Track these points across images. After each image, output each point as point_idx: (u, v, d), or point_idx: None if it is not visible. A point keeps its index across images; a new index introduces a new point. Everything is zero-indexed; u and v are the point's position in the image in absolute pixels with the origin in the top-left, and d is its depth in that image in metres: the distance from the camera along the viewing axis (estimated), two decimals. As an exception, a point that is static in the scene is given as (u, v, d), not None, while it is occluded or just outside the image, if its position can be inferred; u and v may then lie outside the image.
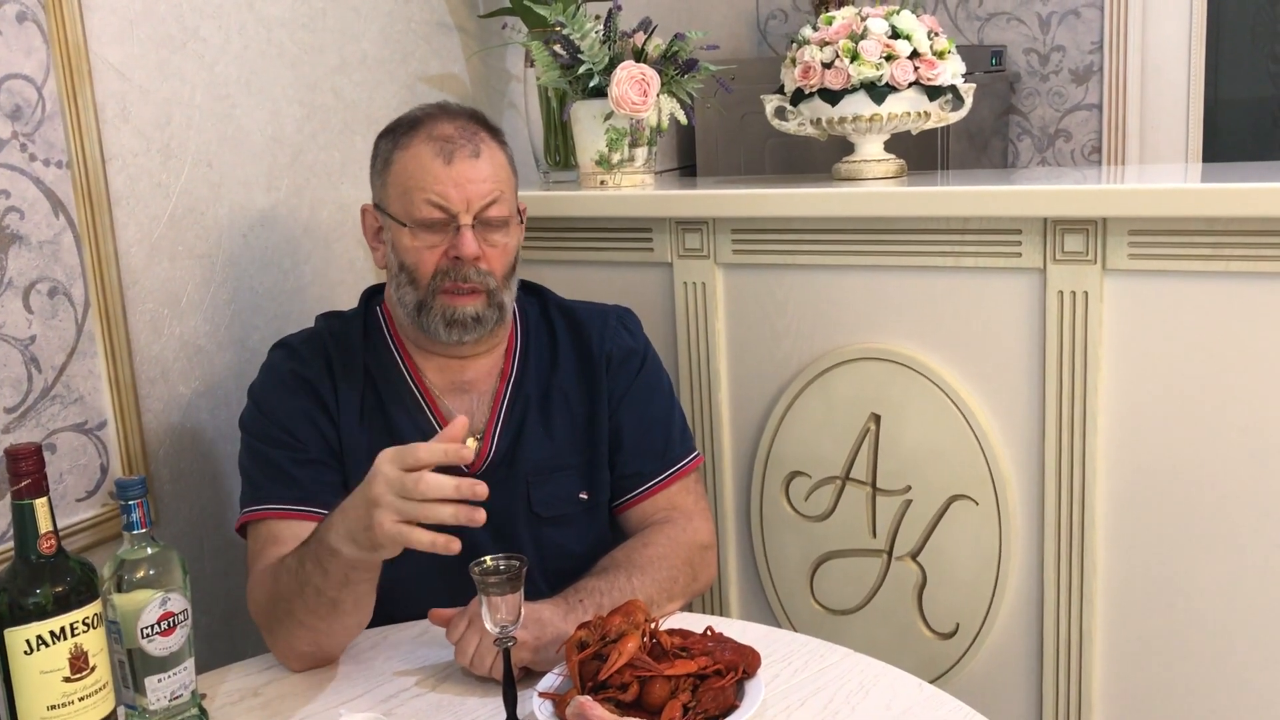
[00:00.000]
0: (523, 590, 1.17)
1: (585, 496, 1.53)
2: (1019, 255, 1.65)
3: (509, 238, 1.48)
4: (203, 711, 1.24)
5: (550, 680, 1.22)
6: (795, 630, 1.89)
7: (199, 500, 1.74)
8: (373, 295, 1.60)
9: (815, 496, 1.86)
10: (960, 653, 1.79)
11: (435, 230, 1.44)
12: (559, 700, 1.16)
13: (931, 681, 1.78)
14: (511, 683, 1.19)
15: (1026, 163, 3.23)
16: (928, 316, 1.74)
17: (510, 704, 1.19)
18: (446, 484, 1.14)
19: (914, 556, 1.81)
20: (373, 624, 1.44)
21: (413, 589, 1.48)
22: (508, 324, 1.54)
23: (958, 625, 1.79)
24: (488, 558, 1.19)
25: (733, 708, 1.14)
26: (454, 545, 1.15)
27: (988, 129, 3.12)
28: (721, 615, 1.94)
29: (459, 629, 1.29)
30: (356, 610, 1.32)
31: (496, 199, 1.45)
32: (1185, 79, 3.01)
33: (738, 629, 1.36)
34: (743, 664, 1.19)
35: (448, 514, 1.14)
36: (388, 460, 1.18)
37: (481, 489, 1.14)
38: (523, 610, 1.18)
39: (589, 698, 1.04)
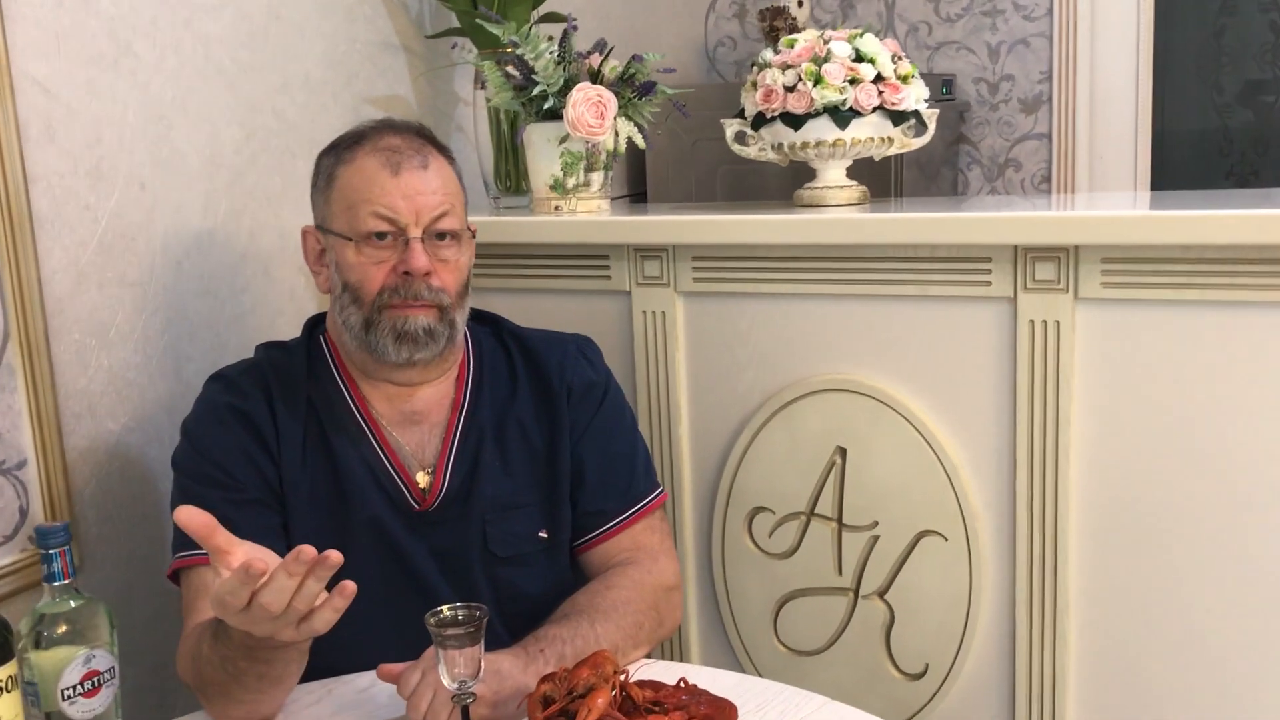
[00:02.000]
0: (483, 642, 1.09)
1: (545, 535, 1.45)
2: (989, 284, 1.60)
3: (460, 254, 1.41)
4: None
5: (511, 739, 1.13)
6: (759, 673, 1.82)
7: (128, 544, 1.64)
8: (315, 325, 1.51)
9: (779, 533, 1.79)
10: (930, 694, 1.73)
11: (383, 245, 1.36)
12: (522, 760, 1.08)
13: (900, 726, 1.72)
14: None
15: (976, 192, 3.21)
16: (894, 347, 1.68)
17: None
18: (281, 590, 1.03)
19: (881, 595, 1.74)
20: (312, 676, 1.35)
21: (360, 637, 1.39)
22: (459, 348, 1.46)
23: (927, 665, 1.73)
24: (445, 608, 1.10)
25: (709, 765, 1.07)
26: (332, 556, 1.05)
27: (938, 158, 3.10)
28: (682, 658, 1.86)
29: (411, 683, 1.20)
30: (299, 669, 1.22)
31: (447, 211, 1.38)
32: (1133, 109, 3.02)
33: (708, 677, 1.28)
34: (719, 718, 1.11)
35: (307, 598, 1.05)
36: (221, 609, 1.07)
37: (307, 554, 1.03)
38: (482, 663, 1.10)
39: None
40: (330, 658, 1.37)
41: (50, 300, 1.53)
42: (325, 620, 1.06)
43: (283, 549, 1.35)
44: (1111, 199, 2.40)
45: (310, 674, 1.34)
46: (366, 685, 1.34)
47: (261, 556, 1.02)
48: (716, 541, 1.83)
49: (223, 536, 1.04)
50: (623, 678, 1.13)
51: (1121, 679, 1.62)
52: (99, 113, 1.58)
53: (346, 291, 1.39)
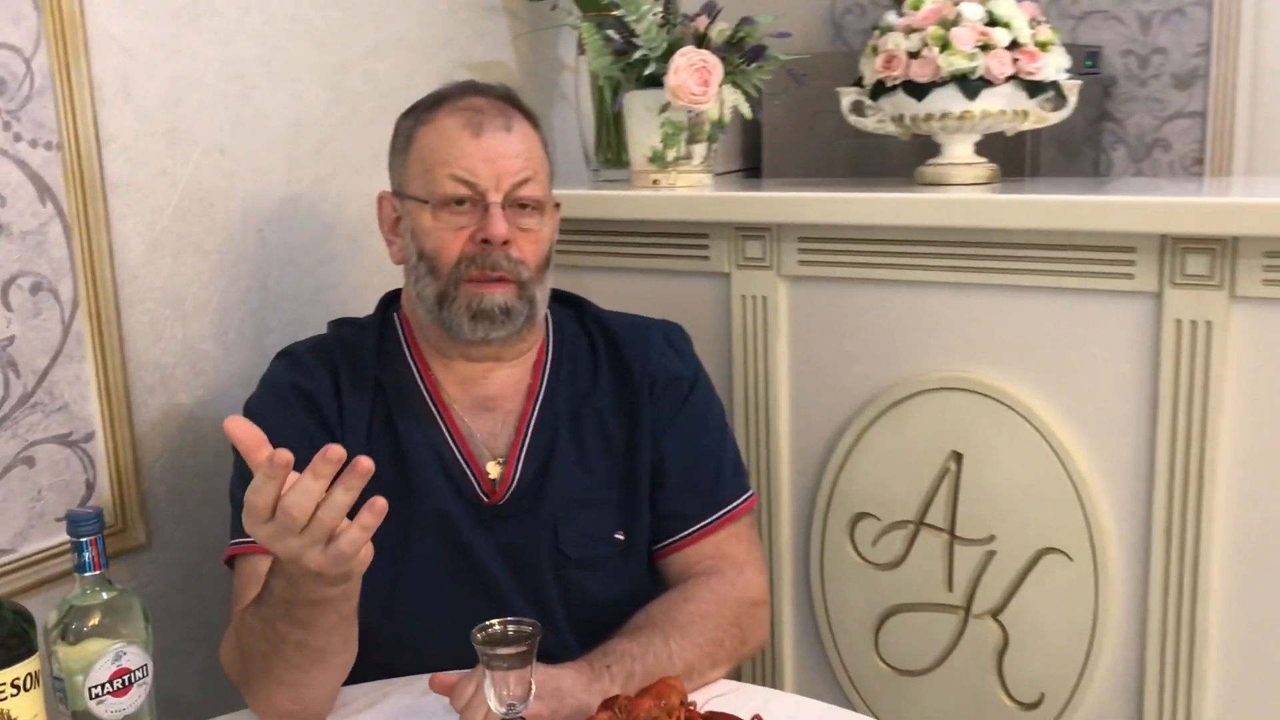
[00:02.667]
0: (534, 662, 0.98)
1: (621, 537, 1.34)
2: (1131, 277, 1.43)
3: (543, 225, 1.31)
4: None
5: (566, 768, 1.03)
6: (858, 691, 1.68)
7: (198, 523, 1.58)
8: (390, 301, 1.42)
9: (884, 542, 1.65)
10: (1045, 726, 1.57)
11: (461, 210, 1.27)
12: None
13: (1011, 758, 1.56)
14: None
15: (1120, 174, 2.98)
16: (1021, 343, 1.52)
17: None
18: (307, 493, 0.96)
19: (995, 615, 1.59)
20: (371, 675, 1.27)
21: (421, 636, 1.30)
22: (538, 328, 1.36)
23: (1043, 695, 1.57)
24: (495, 622, 1.00)
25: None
26: (361, 463, 0.96)
27: (1079, 136, 2.88)
28: (774, 674, 1.74)
29: (465, 696, 1.11)
30: (344, 649, 1.14)
31: (530, 178, 1.28)
32: (1302, 86, 2.75)
33: (791, 708, 1.16)
34: (795, 762, 0.99)
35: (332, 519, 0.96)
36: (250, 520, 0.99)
37: (335, 453, 0.95)
38: (534, 683, 0.99)
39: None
40: (389, 656, 1.29)
41: (122, 268, 1.47)
42: (352, 541, 0.97)
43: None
44: (1275, 184, 2.17)
45: (368, 673, 1.26)
46: (425, 690, 1.25)
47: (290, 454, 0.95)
48: (815, 548, 1.69)
49: (268, 451, 0.96)
50: (689, 709, 1.01)
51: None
52: (178, 72, 1.51)
53: (421, 261, 1.30)
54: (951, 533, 1.60)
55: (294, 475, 0.95)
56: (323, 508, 0.95)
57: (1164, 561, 1.46)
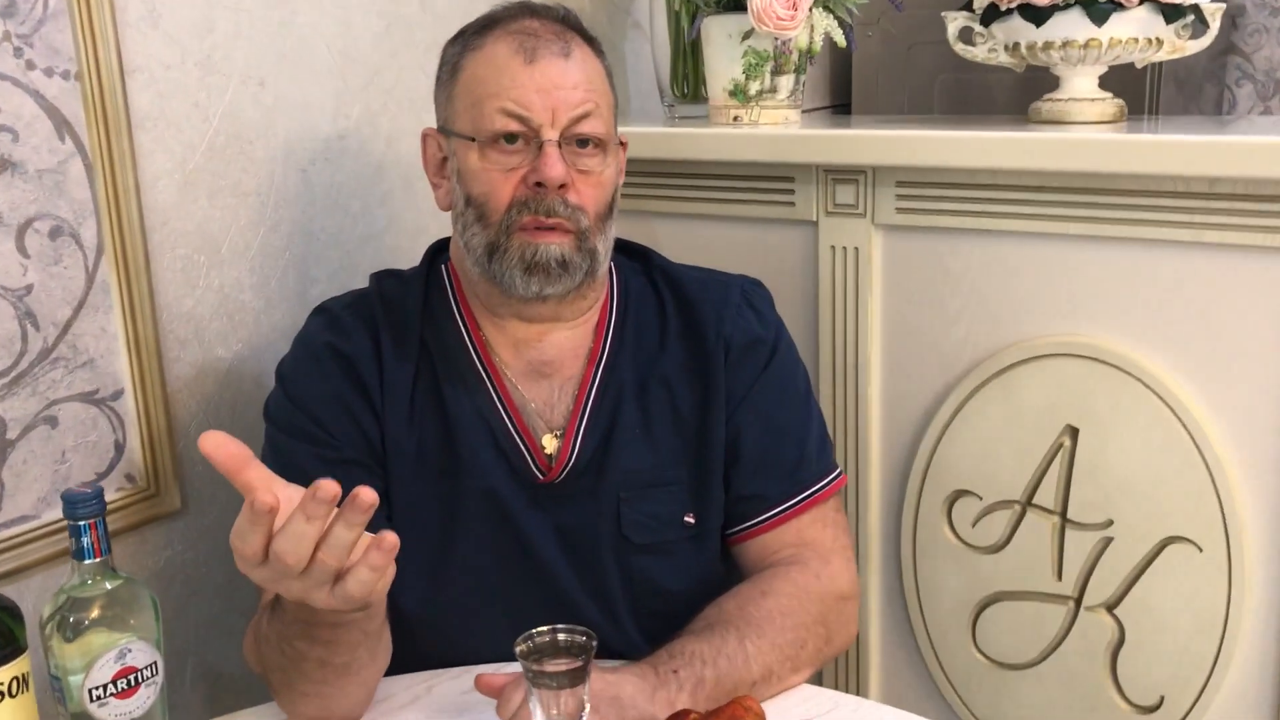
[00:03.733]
0: (589, 677, 0.85)
1: (691, 521, 1.20)
2: (1287, 231, 1.23)
3: (605, 165, 1.15)
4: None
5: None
6: (952, 685, 1.53)
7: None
8: (438, 252, 1.28)
9: (986, 523, 1.48)
10: (1163, 733, 1.41)
11: (513, 150, 1.12)
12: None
13: (1124, 767, 1.41)
14: None
15: (1245, 113, 2.73)
16: (1152, 305, 1.33)
17: None
18: (299, 537, 0.81)
19: (1110, 608, 1.42)
20: (414, 666, 1.15)
21: (470, 626, 1.18)
22: (600, 284, 1.21)
23: (1162, 698, 1.40)
24: (542, 631, 0.86)
25: None
26: (362, 495, 0.81)
27: (1199, 72, 2.63)
28: (858, 666, 1.58)
29: (511, 706, 0.98)
30: (373, 660, 1.02)
31: (590, 112, 1.12)
32: None
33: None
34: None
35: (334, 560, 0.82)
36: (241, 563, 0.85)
37: (326, 491, 0.79)
38: (588, 699, 0.86)
39: None
40: (434, 647, 1.16)
41: (151, 211, 1.34)
42: (361, 582, 0.83)
43: (381, 521, 1.16)
44: None
45: (411, 663, 1.14)
46: (473, 685, 1.13)
47: (273, 489, 0.80)
48: (907, 528, 1.53)
49: (255, 472, 0.82)
50: (768, 736, 0.87)
51: None
52: (211, -5, 1.37)
53: (470, 207, 1.15)
54: (1063, 515, 1.42)
55: (287, 505, 0.81)
56: (323, 549, 0.81)
57: (1312, 558, 1.28)
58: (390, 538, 0.82)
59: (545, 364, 1.20)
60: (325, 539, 0.81)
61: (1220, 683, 1.36)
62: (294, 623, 0.94)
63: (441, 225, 1.67)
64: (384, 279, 1.27)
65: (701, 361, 1.20)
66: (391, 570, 0.85)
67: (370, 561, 0.82)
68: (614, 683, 0.98)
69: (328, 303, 1.25)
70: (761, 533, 1.20)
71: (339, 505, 0.80)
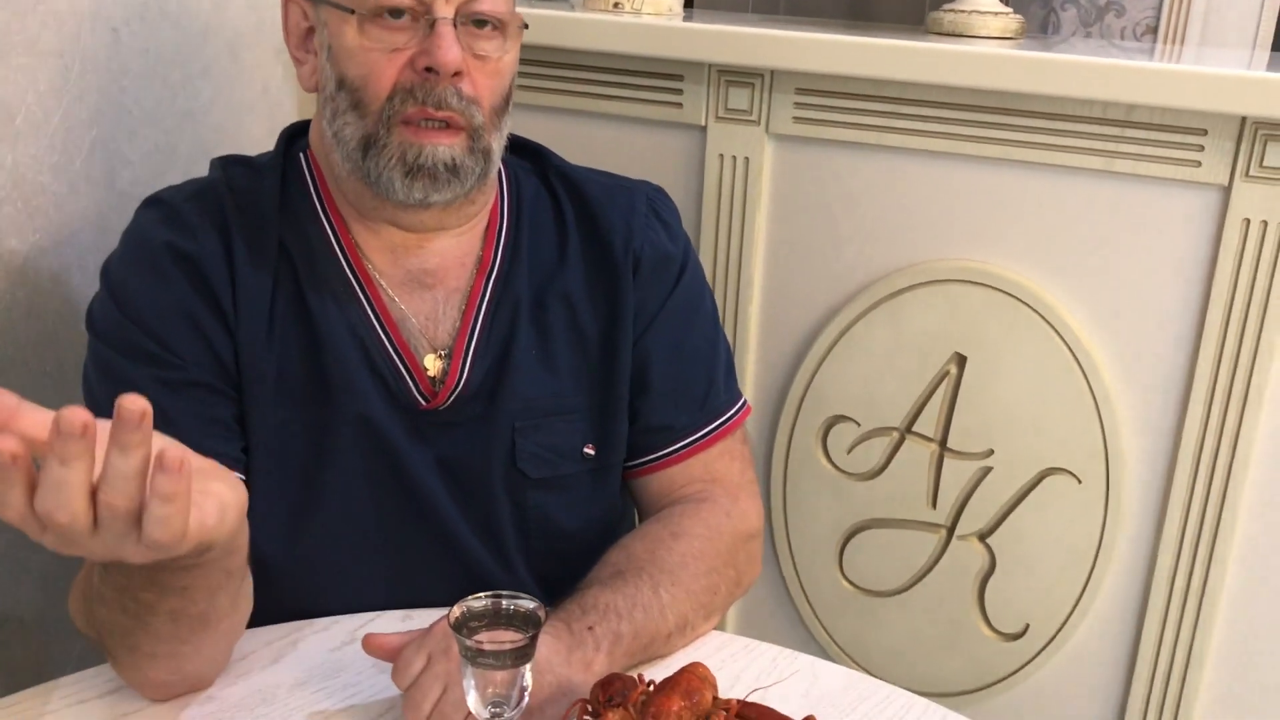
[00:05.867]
0: (531, 663, 0.73)
1: (591, 452, 1.08)
2: (1197, 165, 1.21)
3: (505, 50, 1.00)
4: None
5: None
6: (815, 612, 1.50)
7: (39, 402, 1.25)
8: (295, 137, 1.09)
9: (862, 450, 1.44)
10: (1025, 659, 1.42)
11: (398, 25, 0.95)
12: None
13: (983, 689, 1.41)
14: None
15: (1067, 37, 2.77)
16: (1053, 232, 1.30)
17: None
18: (59, 486, 0.62)
19: (983, 537, 1.41)
20: (276, 617, 1.00)
21: (344, 572, 1.04)
22: (491, 189, 1.07)
23: (1027, 626, 1.41)
24: (480, 597, 0.73)
25: None
26: (125, 405, 0.62)
27: (1026, -7, 2.65)
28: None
29: (411, 670, 0.85)
30: (235, 608, 0.86)
31: None
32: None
33: (808, 672, 0.95)
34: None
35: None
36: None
37: (72, 421, 0.61)
38: (530, 677, 0.74)
39: None
40: (299, 596, 1.02)
41: (-73, 67, 1.10)
42: (160, 521, 0.64)
43: (236, 452, 0.99)
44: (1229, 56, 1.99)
45: (272, 614, 0.99)
46: (346, 639, 0.99)
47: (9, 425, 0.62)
48: (779, 452, 1.47)
49: (30, 419, 0.63)
50: (730, 708, 0.78)
51: (1268, 675, 1.31)
52: None
53: (343, 91, 0.98)
54: (943, 444, 1.39)
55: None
56: (103, 489, 0.64)
57: (1187, 493, 1.29)
58: (170, 452, 0.64)
59: (427, 274, 1.05)
60: (103, 476, 0.64)
61: (1086, 612, 1.37)
62: (137, 573, 0.77)
63: (273, 109, 1.47)
64: (231, 166, 1.07)
65: (607, 277, 1.07)
66: (213, 499, 0.69)
67: (159, 491, 0.64)
68: (524, 646, 0.87)
69: (164, 193, 1.05)
70: (667, 466, 1.10)
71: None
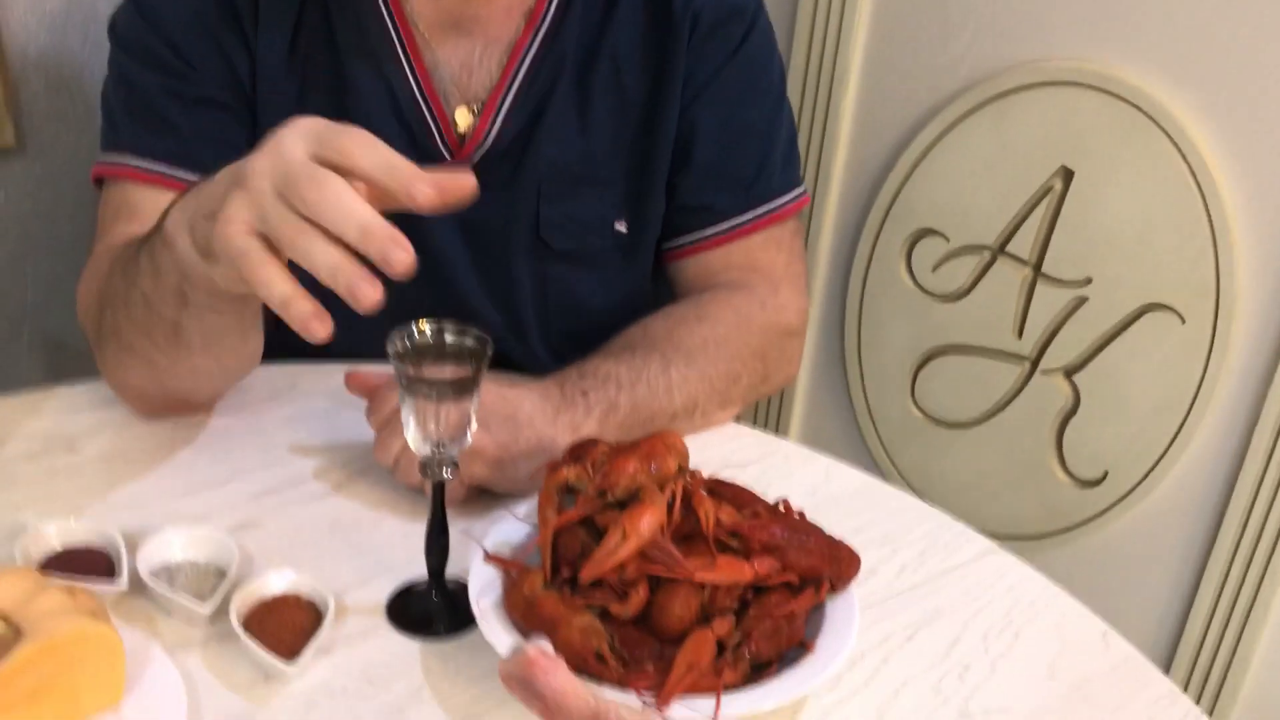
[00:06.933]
0: (478, 390, 0.68)
1: (623, 229, 1.01)
2: (1370, -43, 1.03)
3: None
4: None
5: (507, 532, 0.74)
6: (881, 440, 1.41)
7: (91, 126, 1.23)
8: None
9: (948, 269, 1.32)
10: (1099, 509, 1.31)
11: None
12: (512, 574, 0.69)
13: (1049, 535, 1.32)
14: (442, 529, 0.72)
15: None
16: (1183, 32, 1.14)
17: (435, 562, 0.73)
18: (358, 211, 0.60)
19: (1069, 374, 1.29)
20: (278, 355, 0.97)
21: (340, 315, 0.99)
22: None
23: (1106, 473, 1.30)
24: (423, 326, 0.68)
25: (802, 650, 0.67)
26: (320, 332, 0.64)
27: None
28: (779, 407, 1.46)
29: (383, 412, 0.81)
30: (209, 350, 0.82)
31: None
32: None
33: (818, 475, 0.88)
34: (829, 574, 0.70)
35: (326, 266, 0.61)
36: (301, 132, 0.64)
37: (400, 253, 0.60)
38: (478, 410, 0.69)
39: (541, 650, 0.56)
40: (306, 344, 0.98)
41: None
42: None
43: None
44: None
45: (274, 351, 0.96)
46: (342, 387, 0.96)
47: None
48: (860, 264, 1.37)
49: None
50: (691, 480, 0.72)
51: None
52: None
53: None
54: (1037, 268, 1.27)
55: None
56: (313, 241, 0.60)
57: (1306, 341, 1.15)
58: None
59: (470, 19, 0.97)
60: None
61: (1173, 463, 1.26)
62: (170, 274, 0.73)
63: None
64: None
65: (661, 35, 0.98)
66: None
67: None
68: (511, 399, 0.82)
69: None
70: (705, 249, 1.02)
71: None
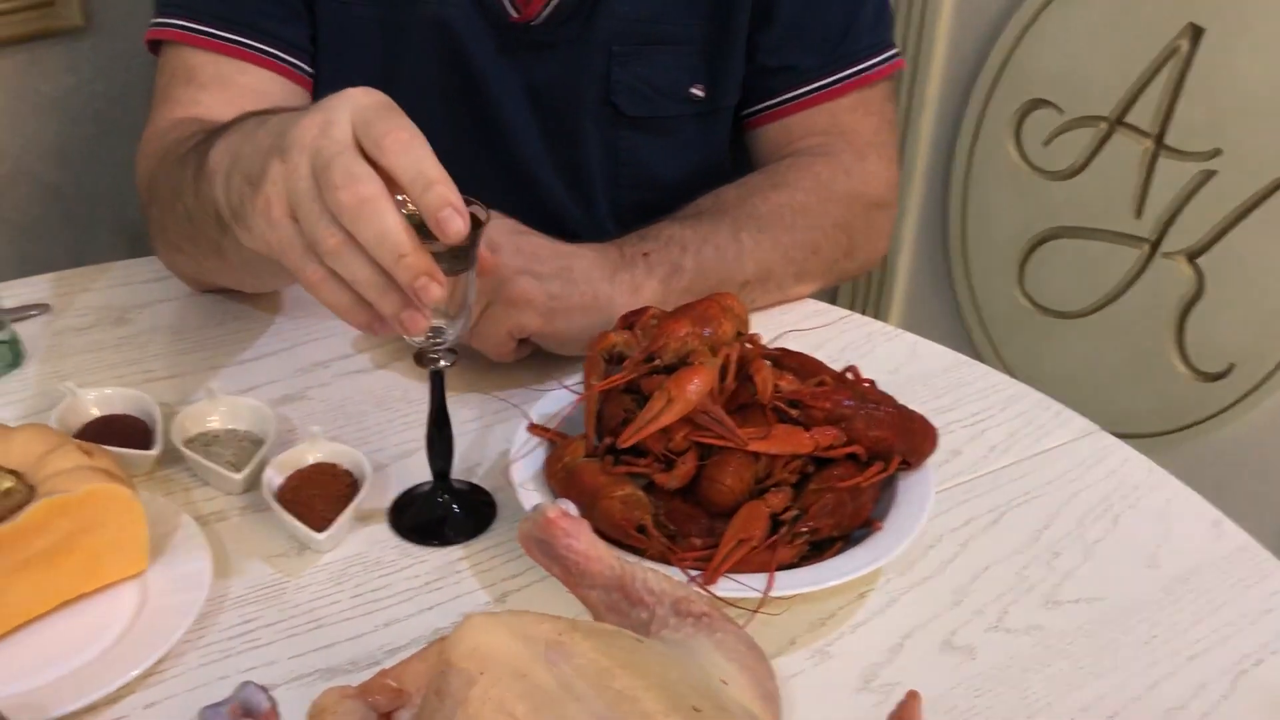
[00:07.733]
0: (474, 266, 0.60)
1: (700, 94, 0.94)
2: None
3: None
4: (14, 344, 0.78)
5: (556, 401, 0.70)
6: (986, 331, 1.33)
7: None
8: None
9: (1061, 143, 1.22)
10: (1223, 405, 1.22)
11: None
12: (555, 446, 0.64)
13: (1167, 433, 1.23)
14: (443, 422, 0.65)
15: None
16: None
17: (440, 463, 0.66)
18: (393, 235, 0.53)
19: (1192, 257, 1.19)
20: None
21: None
22: None
23: (1231, 366, 1.20)
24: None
25: (868, 530, 0.61)
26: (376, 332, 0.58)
27: None
28: (878, 294, 1.38)
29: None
30: (251, 270, 0.78)
31: None
32: None
33: (904, 351, 0.81)
34: (901, 448, 0.64)
35: (370, 287, 0.55)
36: (353, 107, 0.56)
37: (433, 293, 0.54)
38: (473, 289, 0.62)
39: (563, 511, 0.51)
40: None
41: None
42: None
43: (303, 40, 0.90)
44: None
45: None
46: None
47: None
48: (965, 139, 1.28)
49: None
50: (751, 346, 0.66)
51: None
52: None
53: None
54: (1159, 140, 1.16)
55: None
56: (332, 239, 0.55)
57: None
58: None
59: None
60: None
61: (1307, 355, 1.15)
62: (210, 205, 0.70)
63: None
64: None
65: (741, -124, 0.90)
66: None
67: None
68: (564, 251, 0.76)
69: None
70: (788, 113, 0.95)
71: None
